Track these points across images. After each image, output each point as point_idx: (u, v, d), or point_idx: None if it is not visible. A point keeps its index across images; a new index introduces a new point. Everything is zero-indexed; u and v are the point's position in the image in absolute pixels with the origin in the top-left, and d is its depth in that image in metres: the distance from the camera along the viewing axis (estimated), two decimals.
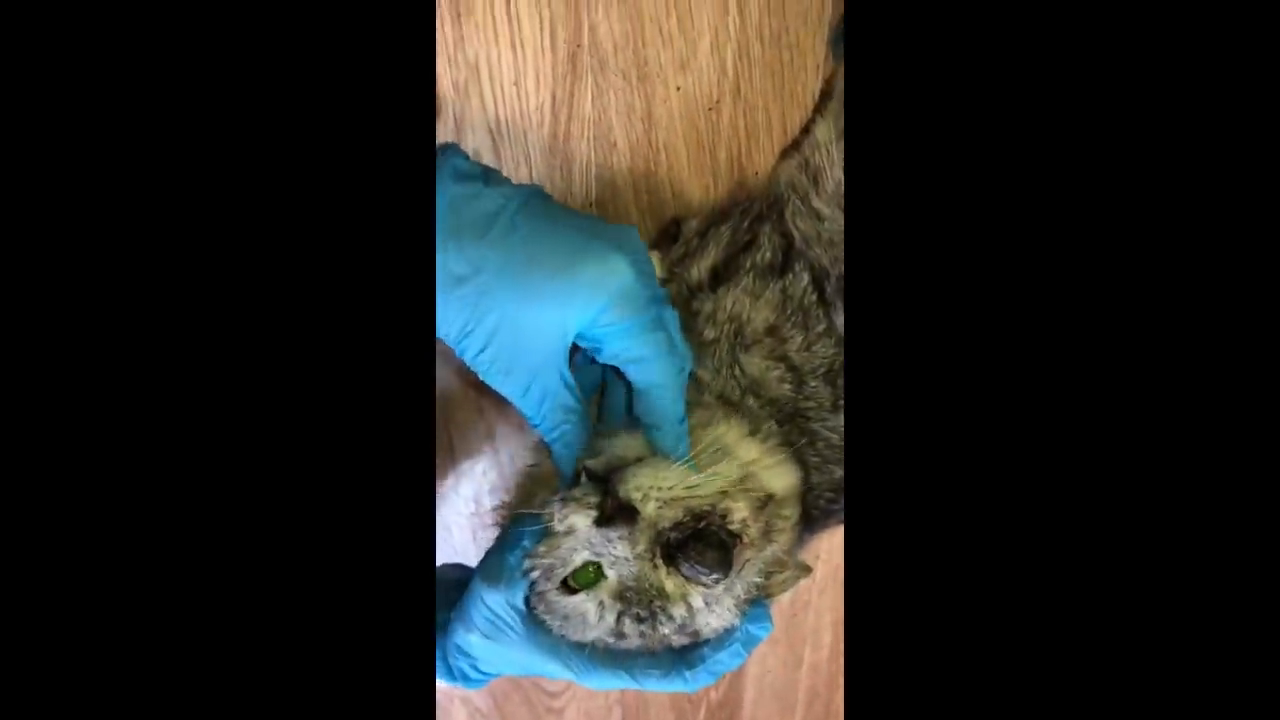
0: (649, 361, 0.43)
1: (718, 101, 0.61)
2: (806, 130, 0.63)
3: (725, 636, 0.46)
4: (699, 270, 0.57)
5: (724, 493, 0.45)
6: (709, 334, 0.54)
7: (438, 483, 0.72)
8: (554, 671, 0.46)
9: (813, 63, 0.60)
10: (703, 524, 0.43)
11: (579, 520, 0.44)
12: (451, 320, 0.41)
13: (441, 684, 0.48)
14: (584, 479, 0.46)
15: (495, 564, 0.46)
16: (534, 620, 0.45)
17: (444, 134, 0.61)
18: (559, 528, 0.45)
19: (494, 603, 0.45)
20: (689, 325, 0.54)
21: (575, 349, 0.48)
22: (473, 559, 0.74)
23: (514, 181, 0.45)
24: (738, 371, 0.53)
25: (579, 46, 0.59)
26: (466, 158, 0.43)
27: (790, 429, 0.53)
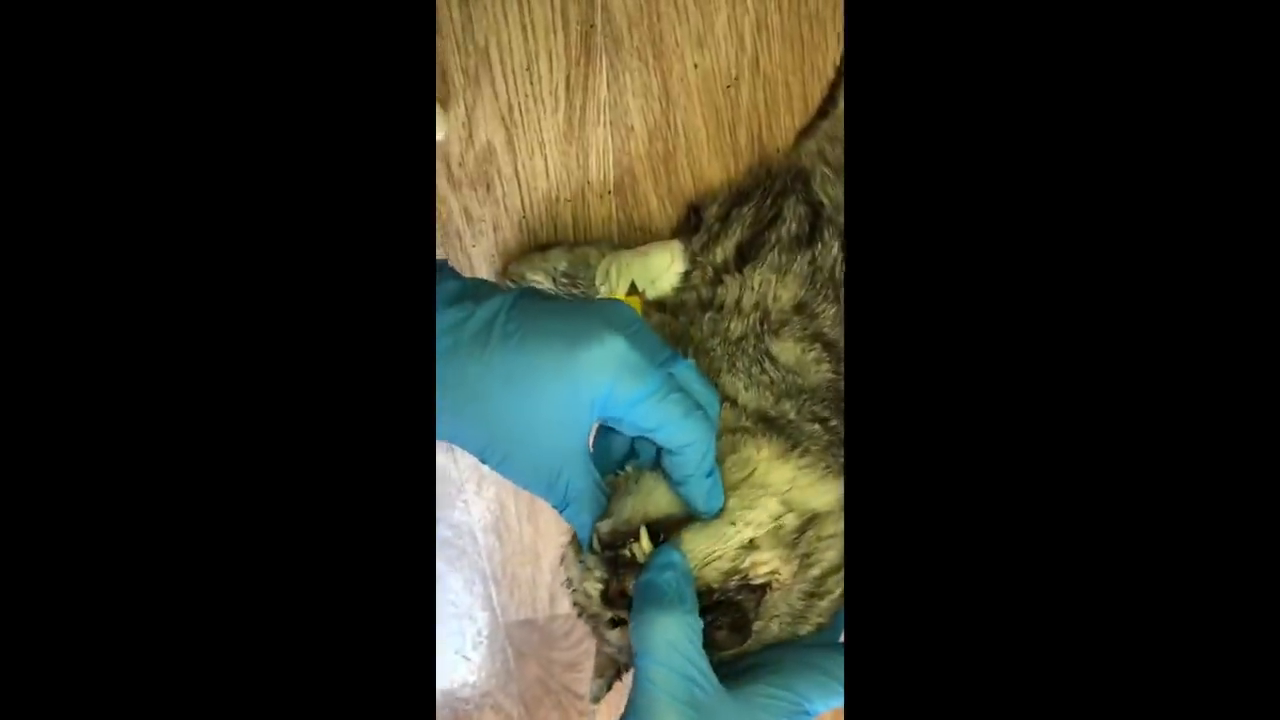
0: (669, 426, 0.42)
1: (736, 78, 0.60)
2: (828, 106, 0.61)
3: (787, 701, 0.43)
4: (723, 251, 0.56)
5: (750, 544, 0.44)
6: (735, 329, 0.53)
7: (459, 489, 0.70)
8: None
9: (833, 32, 0.59)
10: (715, 596, 0.43)
11: (592, 589, 0.45)
12: (469, 438, 0.42)
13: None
14: (595, 542, 0.45)
15: None
16: None
17: (455, 125, 0.59)
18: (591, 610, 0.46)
19: None
20: (713, 329, 0.53)
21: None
22: (497, 563, 0.73)
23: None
24: (768, 365, 0.51)
25: (592, 26, 0.57)
26: (456, 275, 0.44)
27: (838, 422, 0.51)
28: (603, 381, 0.40)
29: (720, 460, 0.47)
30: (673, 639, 0.39)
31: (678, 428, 0.42)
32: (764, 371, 0.51)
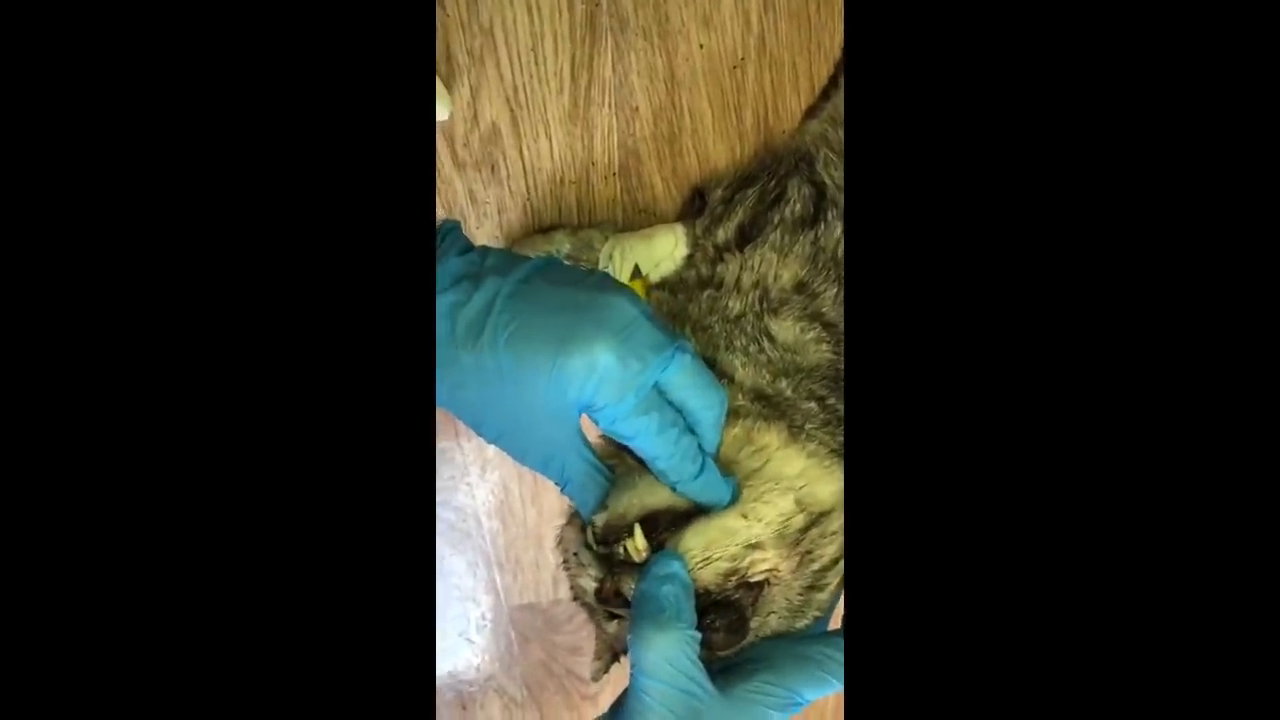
0: (640, 439, 0.43)
1: (742, 59, 0.59)
2: (832, 88, 0.60)
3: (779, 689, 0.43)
4: (725, 231, 0.55)
5: (753, 545, 0.44)
6: (734, 307, 0.52)
7: (462, 472, 0.70)
8: None
9: (839, 11, 0.58)
10: (713, 597, 0.43)
11: (587, 585, 0.45)
12: (464, 416, 0.43)
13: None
14: (590, 536, 0.45)
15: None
16: None
17: (459, 106, 0.59)
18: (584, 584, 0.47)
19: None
20: (711, 307, 0.53)
21: None
22: (500, 547, 0.73)
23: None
24: (766, 344, 0.51)
25: (597, 5, 0.57)
26: (464, 247, 0.43)
27: (835, 400, 0.50)
28: (588, 386, 0.40)
29: (736, 451, 0.47)
30: (671, 657, 0.40)
31: (648, 442, 0.42)
32: (762, 350, 0.51)
